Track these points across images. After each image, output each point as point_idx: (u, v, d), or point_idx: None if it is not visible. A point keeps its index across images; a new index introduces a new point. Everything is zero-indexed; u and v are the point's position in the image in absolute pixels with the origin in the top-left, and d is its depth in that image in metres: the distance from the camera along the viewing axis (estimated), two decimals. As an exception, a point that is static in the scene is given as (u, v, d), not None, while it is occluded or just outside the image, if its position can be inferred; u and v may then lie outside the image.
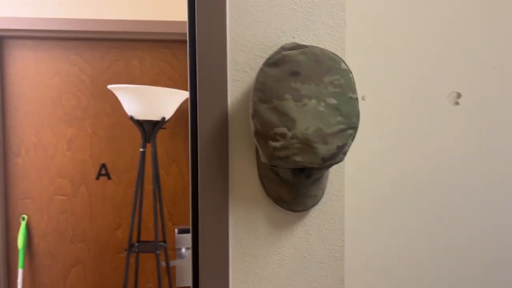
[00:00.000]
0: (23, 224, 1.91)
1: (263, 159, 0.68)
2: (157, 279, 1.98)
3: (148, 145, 1.97)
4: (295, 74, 0.66)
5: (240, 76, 0.74)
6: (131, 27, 1.88)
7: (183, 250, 2.04)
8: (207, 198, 0.75)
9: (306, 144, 0.65)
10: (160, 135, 1.99)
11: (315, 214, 0.77)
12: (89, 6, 1.87)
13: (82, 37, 1.92)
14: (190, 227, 0.84)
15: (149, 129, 1.76)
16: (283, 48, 0.70)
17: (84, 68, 1.94)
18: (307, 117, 0.65)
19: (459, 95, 0.82)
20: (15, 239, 1.93)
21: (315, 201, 0.75)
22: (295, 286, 0.77)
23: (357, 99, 0.68)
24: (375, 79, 0.79)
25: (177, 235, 2.03)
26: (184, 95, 1.78)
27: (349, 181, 0.78)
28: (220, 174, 0.74)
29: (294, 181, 0.71)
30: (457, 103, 0.82)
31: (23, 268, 1.92)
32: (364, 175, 0.79)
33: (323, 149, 0.65)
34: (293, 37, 0.76)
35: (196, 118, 0.78)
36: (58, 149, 1.94)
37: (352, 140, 0.68)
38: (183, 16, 1.92)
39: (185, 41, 2.00)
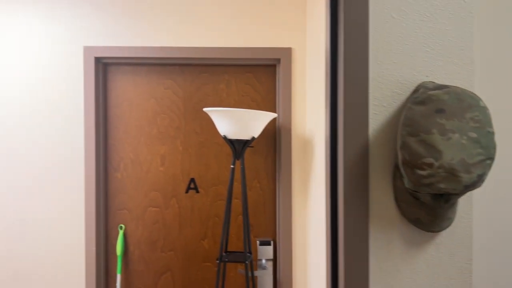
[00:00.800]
0: (121, 233, 2.10)
1: (408, 185, 0.78)
2: (246, 285, 2.11)
3: (237, 162, 2.11)
4: (440, 111, 0.76)
5: (379, 110, 0.85)
6: (219, 54, 2.04)
7: (263, 261, 2.16)
8: (349, 219, 0.85)
9: (451, 174, 0.73)
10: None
11: (446, 234, 0.85)
12: (181, 35, 2.05)
13: (175, 63, 2.11)
14: (328, 243, 0.94)
15: (239, 147, 1.90)
16: (425, 88, 0.79)
17: (177, 91, 2.13)
18: (452, 149, 0.74)
19: None
20: (114, 246, 2.12)
21: (450, 223, 0.84)
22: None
23: (493, 133, 0.76)
24: (501, 112, 0.86)
25: (258, 247, 2.15)
26: (270, 116, 1.91)
27: (476, 204, 0.86)
28: (361, 198, 0.85)
29: (434, 205, 0.80)
30: None
31: (121, 273, 2.10)
32: (489, 198, 0.86)
33: (466, 178, 0.74)
34: (427, 76, 0.86)
35: (336, 147, 0.88)
36: (152, 164, 2.13)
37: (490, 169, 0.77)
38: (266, 42, 2.06)
39: (267, 65, 2.14)
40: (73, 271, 2.04)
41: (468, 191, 0.75)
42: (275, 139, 2.17)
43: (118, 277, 2.08)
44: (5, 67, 2.04)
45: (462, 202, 0.85)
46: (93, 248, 2.02)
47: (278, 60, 2.09)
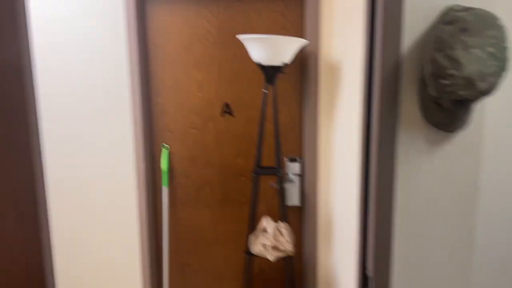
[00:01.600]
0: (165, 151, 2.36)
1: (433, 93, 0.97)
2: (276, 195, 2.40)
3: (269, 88, 2.30)
4: (464, 30, 0.92)
5: (411, 31, 1.01)
6: (251, -18, 2.13)
7: (291, 175, 2.42)
8: (382, 122, 1.05)
9: (470, 82, 0.92)
10: (274, 78, 2.30)
11: (461, 135, 1.05)
12: (217, -36, 2.13)
13: (209, -8, 2.22)
14: (363, 147, 1.15)
15: (271, 73, 2.07)
16: (453, 10, 0.95)
17: (210, 20, 2.26)
18: (472, 62, 0.92)
19: None
20: (159, 162, 2.40)
21: (464, 125, 1.03)
22: (443, 186, 1.07)
23: (508, 48, 0.92)
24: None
25: (287, 163, 2.41)
26: (301, 42, 2.04)
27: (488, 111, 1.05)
28: (393, 105, 1.04)
29: (454, 109, 0.99)
30: None
31: (167, 185, 2.40)
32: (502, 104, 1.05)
33: (482, 85, 0.92)
34: (455, 1, 1.00)
35: (371, 61, 1.06)
36: (190, 90, 2.33)
37: (502, 78, 0.94)
38: (298, -31, 2.13)
39: (297, -7, 2.23)
40: (125, 185, 2.34)
41: (483, 97, 0.93)
42: (303, 65, 2.32)
43: (164, 189, 2.38)
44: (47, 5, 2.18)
45: (476, 108, 1.04)
46: (142, 163, 2.30)
47: (308, -13, 2.18)
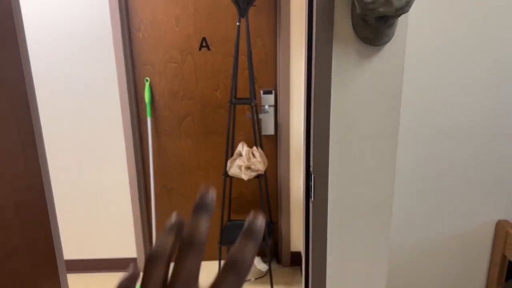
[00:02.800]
0: (147, 84, 2.53)
1: (359, 11, 1.13)
2: (252, 125, 2.60)
3: (242, 20, 2.42)
4: (383, -47, 1.06)
5: (344, -44, 1.15)
6: None
7: (266, 107, 2.61)
8: (319, 40, 1.22)
9: (387, 0, 1.08)
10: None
11: (386, 48, 1.23)
12: None
13: None
14: (305, 60, 1.33)
15: (243, 5, 2.19)
16: None
17: (185, -45, 2.33)
18: (389, -18, 1.07)
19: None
20: (142, 96, 2.57)
21: (389, 39, 1.21)
22: (371, 93, 1.26)
23: (422, -31, 1.08)
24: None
25: (262, 95, 2.59)
26: (271, -24, 2.15)
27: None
28: (328, 23, 1.20)
29: (377, 25, 1.16)
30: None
31: (151, 117, 2.59)
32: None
33: (397, 3, 1.08)
34: None
35: (312, -14, 1.21)
36: (168, 25, 2.45)
37: (416, -3, 1.10)
38: None
39: None
40: (112, 116, 2.53)
41: (399, 13, 1.10)
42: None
43: (148, 120, 2.57)
44: None
45: (399, 24, 1.21)
46: (126, 95, 2.47)
47: None
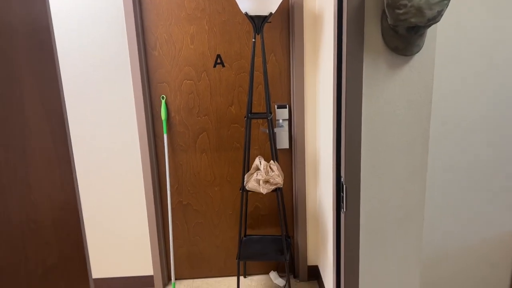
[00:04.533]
0: (163, 102, 2.55)
1: (390, 22, 1.16)
2: (267, 139, 2.62)
3: (257, 37, 2.46)
4: (414, -34, 1.10)
5: (373, -30, 1.18)
6: None
7: (281, 121, 2.63)
8: (349, 51, 1.25)
9: (419, 11, 1.11)
10: (262, 29, 2.46)
11: (416, 58, 1.25)
12: None
13: None
14: (335, 71, 1.35)
15: (258, 23, 2.23)
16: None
17: (200, -26, 2.38)
18: (421, -7, 1.10)
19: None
20: (159, 113, 2.59)
21: (419, 49, 1.23)
22: (401, 102, 1.28)
23: (451, -19, 1.11)
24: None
25: (276, 110, 2.61)
26: (286, -7, 2.19)
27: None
28: (358, 34, 1.23)
29: (408, 35, 1.18)
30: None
31: (167, 133, 2.60)
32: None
33: (429, 13, 1.11)
34: None
35: (341, 1, 1.24)
36: (184, 43, 2.49)
37: (447, 7, 1.13)
38: None
39: None
40: (129, 134, 2.54)
41: (431, 23, 1.12)
42: (288, 15, 2.48)
43: (165, 136, 2.58)
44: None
45: (428, 34, 1.24)
46: (143, 113, 2.49)
47: None
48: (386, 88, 1.27)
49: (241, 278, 2.86)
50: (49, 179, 1.14)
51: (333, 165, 1.48)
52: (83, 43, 2.41)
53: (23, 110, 0.95)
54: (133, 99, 2.49)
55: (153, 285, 2.76)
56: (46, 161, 1.10)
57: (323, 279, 2.62)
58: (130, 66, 2.44)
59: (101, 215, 2.66)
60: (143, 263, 2.73)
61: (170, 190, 2.69)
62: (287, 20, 2.49)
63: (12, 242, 0.84)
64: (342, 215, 1.40)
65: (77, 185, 1.32)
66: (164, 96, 2.56)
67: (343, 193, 1.37)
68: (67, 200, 1.24)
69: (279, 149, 2.68)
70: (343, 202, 1.38)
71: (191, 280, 2.85)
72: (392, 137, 1.31)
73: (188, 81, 2.55)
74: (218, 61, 2.54)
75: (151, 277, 2.74)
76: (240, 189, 2.63)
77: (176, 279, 2.85)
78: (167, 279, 2.83)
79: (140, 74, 2.44)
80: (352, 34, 1.23)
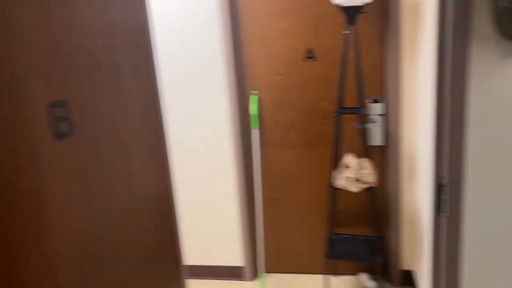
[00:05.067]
0: (254, 97, 2.59)
1: (507, 3, 1.01)
2: (359, 136, 2.52)
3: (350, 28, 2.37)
4: None
5: None
6: None
7: (373, 116, 2.50)
8: (455, 35, 1.12)
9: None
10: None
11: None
12: None
13: None
14: (436, 62, 1.23)
15: (352, 13, 2.14)
16: None
17: (292, -32, 2.36)
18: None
19: None
20: (248, 108, 2.64)
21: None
22: None
23: None
24: None
25: (369, 104, 2.49)
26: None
27: None
28: (465, 20, 1.09)
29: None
30: None
31: (257, 128, 2.65)
32: None
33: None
34: None
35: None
36: (275, 38, 2.49)
37: None
38: None
39: None
40: (222, 128, 2.64)
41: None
42: (385, 5, 2.33)
43: (255, 131, 2.63)
44: (150, -36, 2.46)
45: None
46: (236, 108, 2.56)
47: None
48: (499, 81, 1.12)
49: (330, 276, 2.80)
50: (147, 170, 1.22)
51: (432, 165, 1.35)
52: (180, 39, 2.55)
53: (126, 105, 1.02)
54: (226, 94, 2.57)
55: (242, 275, 2.84)
56: (145, 154, 1.18)
57: (419, 287, 2.44)
58: (224, 62, 2.52)
59: (195, 206, 2.81)
60: (233, 254, 2.82)
61: (261, 185, 2.73)
62: (383, 10, 2.35)
63: (114, 227, 0.91)
64: (442, 220, 1.27)
65: (173, 177, 1.39)
66: (255, 92, 2.60)
67: (443, 195, 1.25)
68: (163, 190, 1.32)
69: (372, 146, 2.55)
70: (443, 205, 1.25)
71: (279, 274, 2.87)
72: (502, 137, 1.15)
73: (279, 76, 2.55)
74: (309, 55, 2.49)
75: (240, 268, 2.83)
76: (328, 186, 2.57)
77: (265, 272, 2.90)
78: (256, 271, 2.90)
79: (234, 70, 2.51)
80: (457, 20, 1.10)
